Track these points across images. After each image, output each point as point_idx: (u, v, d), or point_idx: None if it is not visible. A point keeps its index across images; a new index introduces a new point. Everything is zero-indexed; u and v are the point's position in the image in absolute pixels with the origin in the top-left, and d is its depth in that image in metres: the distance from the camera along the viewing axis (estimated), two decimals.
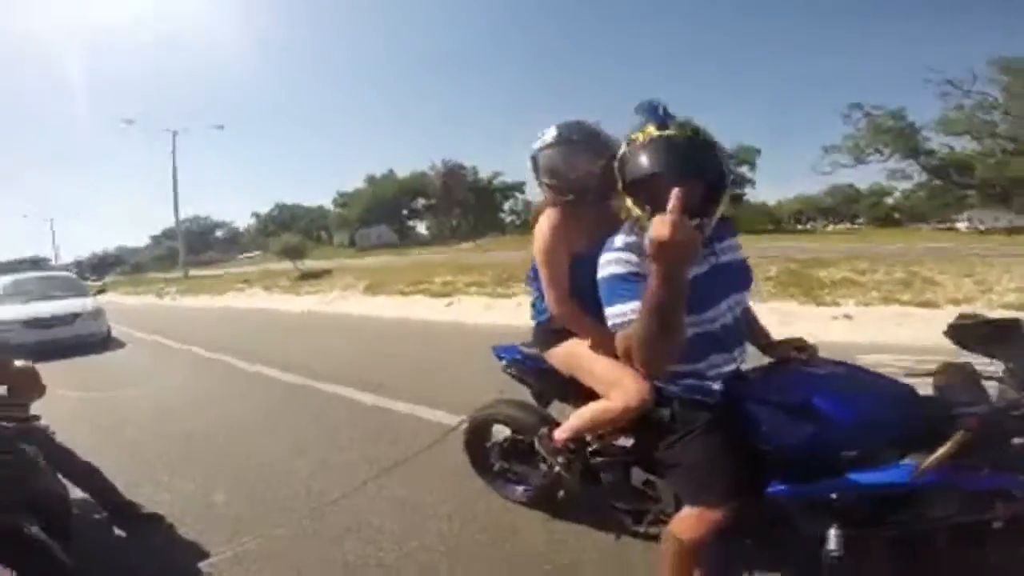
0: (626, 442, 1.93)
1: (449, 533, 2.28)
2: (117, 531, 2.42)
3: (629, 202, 1.38)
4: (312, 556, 2.18)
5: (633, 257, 1.39)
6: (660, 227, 1.06)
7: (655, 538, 1.88)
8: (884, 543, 1.50)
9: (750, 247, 2.03)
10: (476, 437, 2.44)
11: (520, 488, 2.42)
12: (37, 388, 2.15)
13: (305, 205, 57.22)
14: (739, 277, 1.59)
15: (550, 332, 1.91)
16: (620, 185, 1.41)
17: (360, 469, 2.93)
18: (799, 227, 42.26)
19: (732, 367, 1.61)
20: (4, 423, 1.99)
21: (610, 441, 1.96)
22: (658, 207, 1.18)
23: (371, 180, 48.61)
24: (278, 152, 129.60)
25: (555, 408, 2.15)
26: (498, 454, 2.39)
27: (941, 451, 1.25)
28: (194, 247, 51.00)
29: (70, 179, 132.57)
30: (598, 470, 1.97)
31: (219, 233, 65.87)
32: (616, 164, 1.42)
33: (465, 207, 44.48)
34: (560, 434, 1.90)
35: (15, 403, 2.07)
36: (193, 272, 30.62)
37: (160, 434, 3.91)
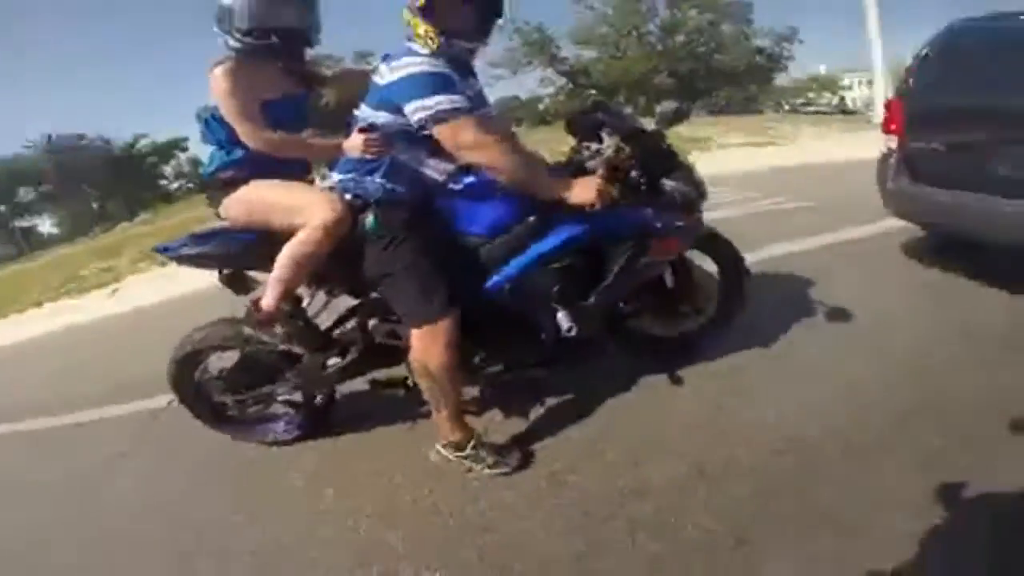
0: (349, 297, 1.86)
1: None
2: None
3: (423, 26, 1.55)
4: None
5: (439, 62, 1.55)
6: (584, 190, 1.57)
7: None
8: (598, 315, 1.78)
9: None
10: (188, 387, 1.97)
11: (280, 424, 2.07)
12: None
13: None
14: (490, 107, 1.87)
15: (225, 181, 1.76)
16: (411, 11, 1.57)
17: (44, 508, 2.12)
18: None
19: (439, 175, 1.69)
20: None
21: (325, 291, 1.86)
22: (448, 25, 1.55)
23: None
24: None
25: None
26: (226, 387, 1.95)
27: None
28: None
29: None
30: (328, 333, 1.84)
31: None
32: None
33: (104, 185, 34.74)
34: (267, 298, 1.67)
35: None
36: None
37: None
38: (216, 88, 1.72)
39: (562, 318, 1.69)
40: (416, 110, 1.54)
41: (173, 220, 15.10)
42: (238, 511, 1.85)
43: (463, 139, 1.54)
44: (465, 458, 1.72)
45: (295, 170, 1.82)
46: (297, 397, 2.01)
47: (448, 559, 1.48)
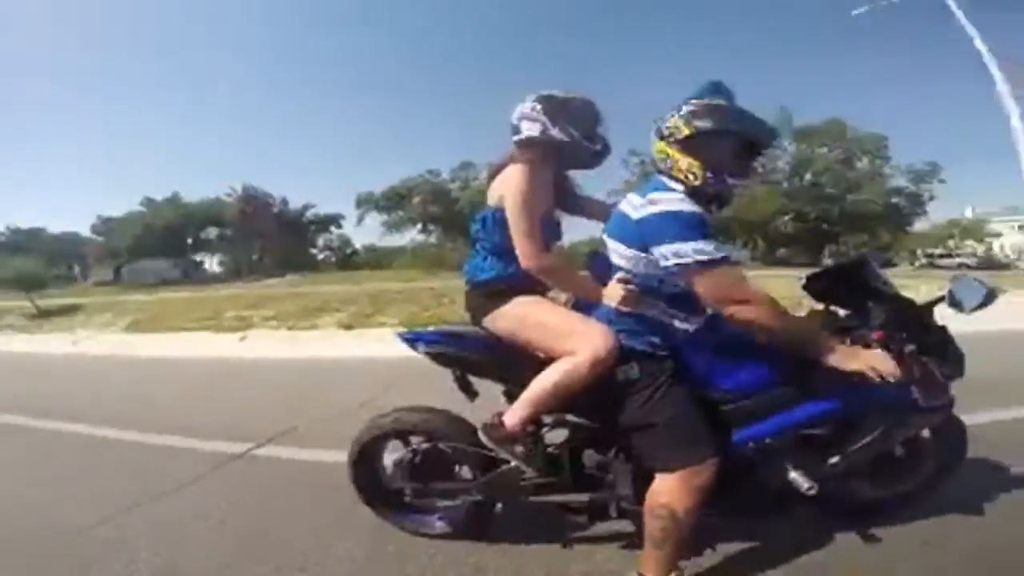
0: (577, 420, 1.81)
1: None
2: None
3: (686, 160, 1.52)
4: None
5: (693, 203, 1.48)
6: (883, 363, 1.41)
7: (612, 536, 1.91)
8: (835, 477, 1.73)
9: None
10: (366, 463, 1.98)
11: (435, 518, 2.01)
12: None
13: (52, 232, 45.77)
14: None
15: (495, 292, 1.70)
16: (668, 143, 1.55)
17: (111, 503, 2.41)
18: None
19: (690, 326, 1.63)
20: None
21: (561, 419, 1.81)
22: (711, 161, 1.49)
23: (149, 203, 41.04)
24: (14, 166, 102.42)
25: (475, 406, 1.84)
26: (405, 473, 1.92)
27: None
28: None
29: None
30: (554, 461, 1.77)
31: None
32: (676, 122, 1.54)
33: (269, 239, 40.31)
34: (514, 416, 1.62)
35: None
36: None
37: None
38: (514, 190, 1.62)
39: (797, 478, 1.62)
40: (672, 253, 1.43)
41: (316, 288, 16.92)
42: None
43: (728, 292, 1.44)
44: None
45: (544, 289, 1.74)
46: (471, 497, 1.91)
47: None
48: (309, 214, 42.44)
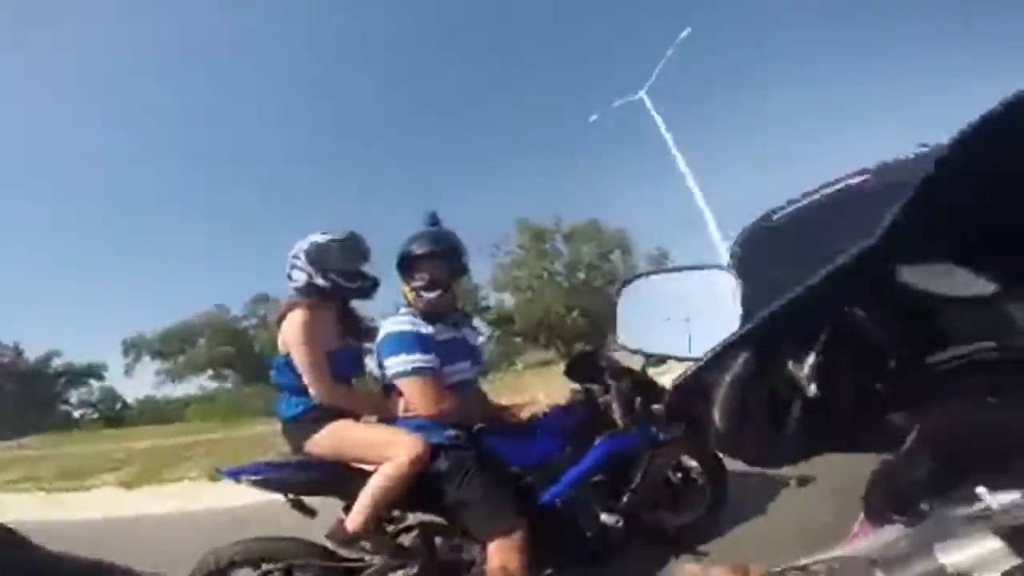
0: (422, 517, 2.02)
1: None
2: None
3: (405, 286, 1.90)
4: None
5: (416, 320, 1.85)
6: (535, 407, 1.99)
7: None
8: (633, 511, 2.07)
9: None
10: None
11: None
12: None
13: None
14: (477, 353, 2.20)
15: (308, 422, 1.90)
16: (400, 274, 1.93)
17: None
18: None
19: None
20: None
21: (402, 517, 2.03)
22: (424, 284, 1.83)
23: None
24: None
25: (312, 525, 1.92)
26: None
27: (618, 419, 1.97)
28: None
29: None
30: (404, 549, 1.97)
31: None
32: (401, 254, 1.91)
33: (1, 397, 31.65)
34: (355, 518, 1.78)
35: None
36: None
37: None
38: (292, 334, 1.81)
39: (605, 518, 1.96)
40: (388, 367, 1.80)
41: (61, 451, 14.07)
42: None
43: (423, 396, 1.79)
44: None
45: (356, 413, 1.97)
46: None
47: None
48: (56, 364, 34.09)
